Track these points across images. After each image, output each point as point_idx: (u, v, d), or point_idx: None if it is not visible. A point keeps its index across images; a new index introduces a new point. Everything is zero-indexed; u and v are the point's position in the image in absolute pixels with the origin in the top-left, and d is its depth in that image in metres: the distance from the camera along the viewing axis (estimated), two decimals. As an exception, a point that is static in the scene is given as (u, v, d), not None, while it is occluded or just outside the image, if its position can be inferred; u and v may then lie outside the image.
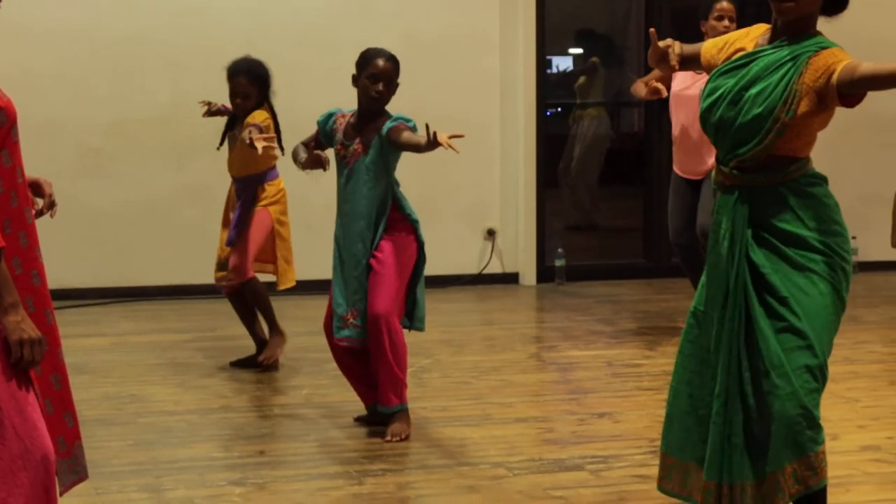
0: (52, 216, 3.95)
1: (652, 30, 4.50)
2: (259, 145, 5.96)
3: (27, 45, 9.41)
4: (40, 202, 3.95)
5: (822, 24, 4.27)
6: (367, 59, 6.19)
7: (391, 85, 6.16)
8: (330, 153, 6.27)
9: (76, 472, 3.95)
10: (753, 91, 4.16)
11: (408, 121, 6.10)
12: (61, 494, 3.77)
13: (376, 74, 6.11)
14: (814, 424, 4.10)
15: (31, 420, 3.53)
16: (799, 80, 4.12)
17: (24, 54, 9.33)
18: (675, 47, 4.37)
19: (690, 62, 4.56)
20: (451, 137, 5.68)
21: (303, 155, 6.21)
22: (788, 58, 4.19)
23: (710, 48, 4.42)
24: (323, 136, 6.36)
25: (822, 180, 4.26)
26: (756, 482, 4.17)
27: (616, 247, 12.00)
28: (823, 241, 4.18)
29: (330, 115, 6.34)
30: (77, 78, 9.73)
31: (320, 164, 6.12)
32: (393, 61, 6.19)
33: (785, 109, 4.09)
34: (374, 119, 6.15)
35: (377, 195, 6.14)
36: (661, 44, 4.32)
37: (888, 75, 3.92)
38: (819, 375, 4.15)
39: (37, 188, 3.90)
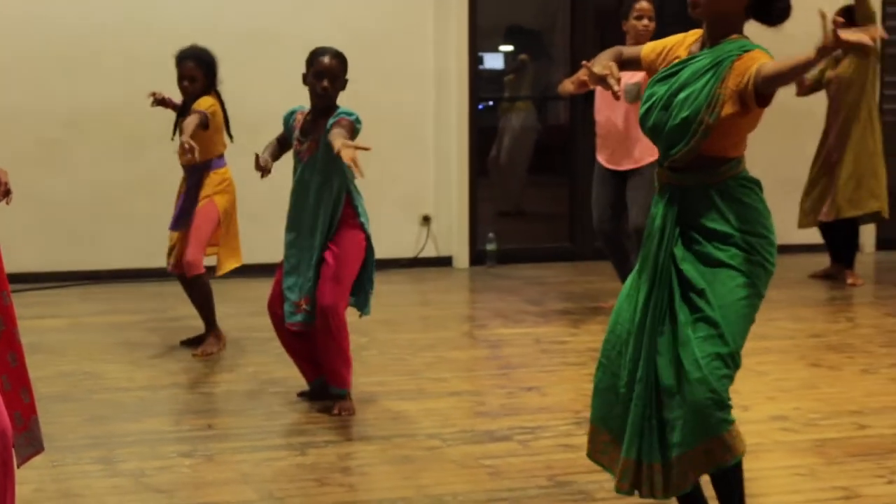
0: (7, 203, 3.98)
1: (584, 63, 4.49)
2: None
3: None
4: None
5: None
6: (313, 58, 6.22)
7: (337, 81, 6.18)
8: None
9: (33, 445, 3.97)
10: (682, 96, 4.18)
11: (350, 114, 6.12)
12: (18, 466, 3.81)
13: (322, 72, 6.13)
14: (723, 407, 4.14)
15: None
16: (722, 84, 4.14)
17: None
18: (615, 72, 4.40)
19: (630, 65, 4.59)
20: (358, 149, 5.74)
21: (263, 155, 6.23)
22: (712, 63, 4.21)
23: (649, 52, 4.43)
24: (286, 132, 6.40)
25: (754, 184, 4.28)
26: (671, 461, 4.22)
27: (543, 232, 12.08)
28: (746, 240, 4.20)
29: (291, 113, 6.38)
30: (33, 70, 9.70)
31: (259, 168, 6.13)
32: (338, 58, 6.21)
33: (709, 112, 4.11)
34: (325, 115, 6.17)
35: (331, 191, 6.19)
36: (598, 71, 4.31)
37: (790, 70, 3.95)
38: (730, 362, 4.18)
39: None
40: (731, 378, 4.19)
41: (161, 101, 7.44)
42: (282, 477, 5.40)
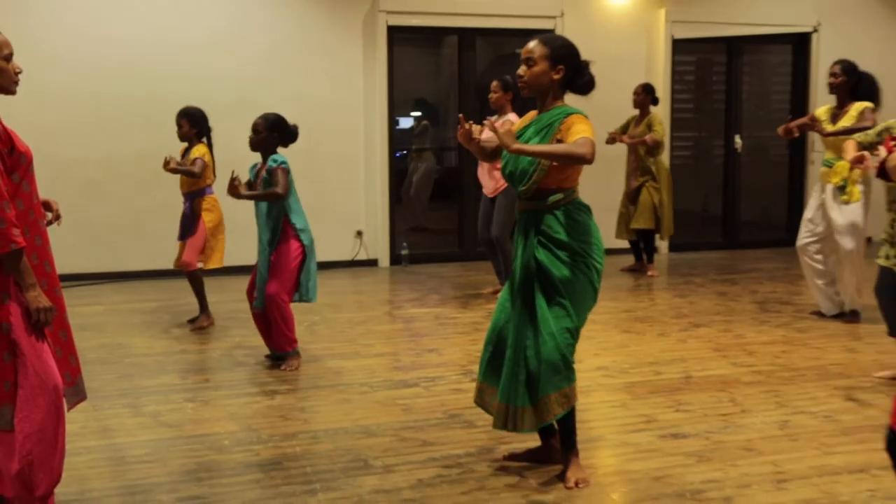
0: (58, 225, 4.12)
1: (462, 117, 4.53)
2: None
3: (44, 107, 9.23)
4: (50, 215, 4.02)
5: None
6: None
7: (258, 135, 6.30)
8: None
9: (78, 395, 3.99)
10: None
11: (283, 163, 6.23)
12: (68, 410, 3.85)
13: (252, 128, 6.33)
14: (569, 367, 4.23)
15: (45, 361, 3.60)
16: (553, 138, 4.19)
17: (41, 113, 9.14)
18: (484, 135, 4.52)
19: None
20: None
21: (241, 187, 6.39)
22: (545, 124, 4.28)
23: (517, 126, 4.40)
24: (251, 176, 6.51)
25: (585, 208, 4.32)
26: (531, 406, 4.27)
27: (441, 241, 12.08)
28: (581, 248, 4.24)
29: (254, 165, 6.49)
30: (78, 130, 9.57)
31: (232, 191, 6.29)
32: (263, 119, 6.33)
33: (538, 160, 4.17)
34: (264, 160, 6.35)
35: (272, 214, 6.29)
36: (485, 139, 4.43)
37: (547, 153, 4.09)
38: (575, 335, 4.27)
39: (47, 206, 4.05)
40: (573, 346, 4.27)
41: (172, 169, 7.32)
42: (257, 414, 5.46)
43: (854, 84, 7.43)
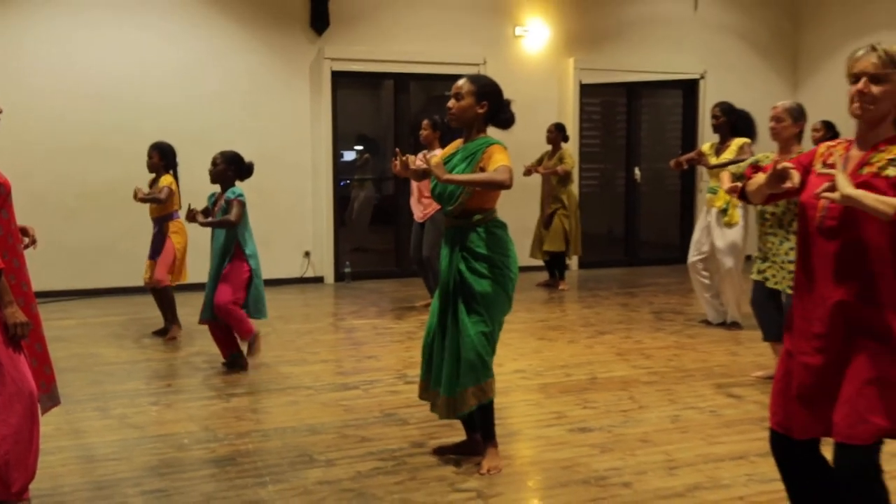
0: (34, 248, 4.05)
1: (398, 150, 4.57)
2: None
3: (24, 141, 9.08)
4: (27, 240, 3.97)
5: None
6: None
7: (216, 168, 6.29)
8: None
9: (52, 401, 3.94)
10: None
11: (240, 195, 6.25)
12: (43, 415, 3.77)
13: (212, 161, 6.32)
14: (485, 365, 4.26)
15: (21, 371, 3.55)
16: (477, 165, 4.24)
17: (20, 147, 9.00)
18: (420, 163, 4.57)
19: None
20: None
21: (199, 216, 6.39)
22: (471, 152, 4.32)
23: (446, 152, 4.44)
24: (209, 204, 6.49)
25: (502, 225, 4.34)
26: (451, 397, 4.30)
27: (379, 260, 12.06)
28: (500, 260, 4.26)
29: (212, 194, 6.49)
30: (56, 162, 9.43)
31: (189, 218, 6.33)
32: (221, 156, 6.33)
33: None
34: (223, 191, 6.33)
35: (225, 239, 6.27)
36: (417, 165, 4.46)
37: (479, 181, 4.15)
38: (490, 338, 4.29)
39: (24, 231, 3.97)
40: (487, 347, 4.29)
41: (142, 199, 7.30)
42: (214, 415, 5.40)
43: (733, 122, 7.59)
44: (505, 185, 4.08)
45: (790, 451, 3.09)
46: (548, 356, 6.85)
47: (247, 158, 6.40)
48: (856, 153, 2.97)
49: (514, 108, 4.42)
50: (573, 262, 11.39)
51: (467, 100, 4.27)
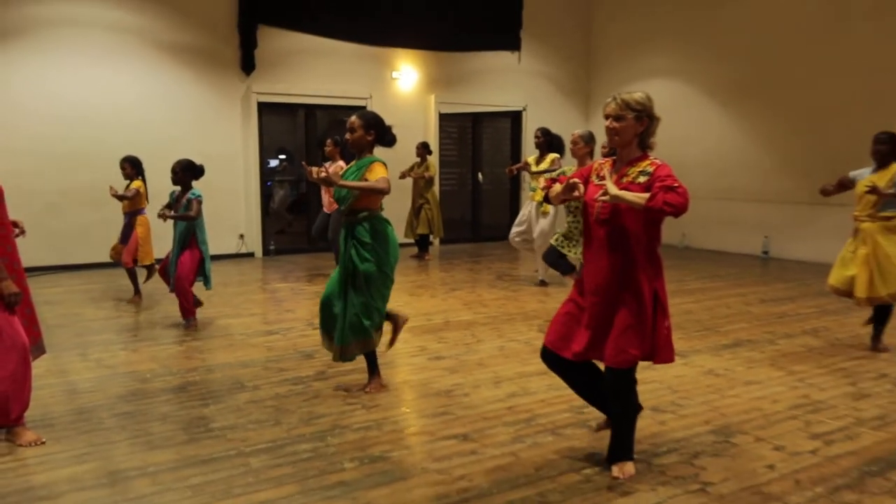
0: (24, 237, 3.94)
1: (303, 163, 4.54)
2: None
3: (14, 151, 8.57)
4: (17, 230, 3.82)
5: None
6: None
7: (177, 175, 6.02)
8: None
9: (40, 350, 3.86)
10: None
11: (199, 196, 6.02)
12: (33, 361, 3.65)
13: (172, 168, 6.05)
14: (363, 328, 4.22)
15: (15, 328, 3.49)
16: (363, 176, 4.21)
17: (11, 155, 8.51)
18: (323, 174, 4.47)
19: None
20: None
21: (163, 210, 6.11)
22: (359, 167, 4.29)
23: (346, 169, 4.39)
24: (171, 201, 6.21)
25: (385, 221, 4.29)
26: (345, 346, 4.27)
27: (296, 239, 11.84)
28: (381, 248, 4.22)
29: (173, 192, 6.21)
30: (41, 165, 8.90)
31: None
32: (179, 164, 6.06)
33: (354, 190, 4.16)
34: (184, 192, 6.07)
35: (184, 230, 6.05)
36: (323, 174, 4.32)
37: (362, 187, 4.12)
38: (368, 307, 4.22)
39: (15, 224, 3.84)
40: (369, 314, 4.22)
41: (116, 196, 7.03)
42: (170, 357, 5.28)
43: (549, 141, 7.80)
44: (384, 191, 4.11)
45: (554, 361, 3.36)
46: (416, 307, 6.92)
47: (197, 163, 6.24)
48: (618, 168, 3.18)
49: (392, 130, 4.44)
50: (436, 241, 11.50)
51: (359, 132, 4.25)
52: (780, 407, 4.18)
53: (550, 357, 3.34)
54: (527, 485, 3.18)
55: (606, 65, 12.56)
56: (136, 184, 7.10)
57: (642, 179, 3.07)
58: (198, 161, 6.16)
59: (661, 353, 3.15)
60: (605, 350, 3.15)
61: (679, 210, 2.90)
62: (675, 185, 2.93)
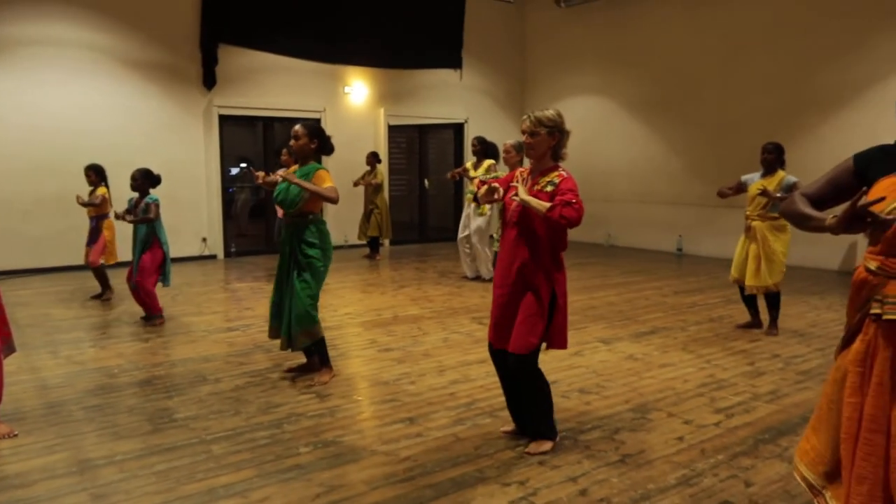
0: None
1: (260, 173, 4.51)
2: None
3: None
4: None
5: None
6: None
7: (136, 183, 5.93)
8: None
9: (11, 349, 3.72)
10: (292, 188, 4.24)
11: (156, 200, 5.93)
12: (5, 358, 3.53)
13: (132, 176, 5.96)
14: (310, 316, 4.21)
15: None
16: (311, 183, 4.18)
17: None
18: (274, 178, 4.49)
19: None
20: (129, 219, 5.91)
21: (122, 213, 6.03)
22: (305, 173, 4.27)
23: (291, 171, 4.37)
24: (129, 206, 6.08)
25: (324, 223, 4.31)
26: (294, 335, 4.27)
27: (255, 242, 11.63)
28: (321, 247, 4.22)
29: (131, 199, 6.07)
30: (15, 178, 8.57)
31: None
32: (139, 172, 5.96)
33: (300, 195, 4.17)
34: (141, 197, 5.96)
35: (145, 233, 5.93)
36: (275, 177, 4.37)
37: (314, 191, 4.11)
38: (314, 298, 4.21)
39: None
40: (314, 303, 4.22)
41: (82, 204, 6.83)
42: (136, 353, 5.17)
43: (485, 150, 7.87)
44: (334, 202, 4.13)
45: (494, 355, 3.41)
46: (367, 303, 6.90)
47: (155, 172, 6.12)
48: (533, 176, 3.27)
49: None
50: (386, 242, 11.48)
51: (303, 140, 4.24)
52: (690, 386, 4.33)
53: (492, 350, 3.43)
54: (466, 462, 3.23)
55: (539, 81, 12.75)
56: (101, 190, 6.92)
57: (549, 189, 3.18)
58: (161, 170, 6.06)
59: (555, 340, 3.27)
60: (510, 337, 3.24)
61: (572, 223, 3.05)
62: (573, 200, 3.06)
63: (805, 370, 4.66)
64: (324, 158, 4.51)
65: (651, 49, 10.88)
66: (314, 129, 4.31)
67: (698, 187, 10.39)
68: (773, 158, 5.40)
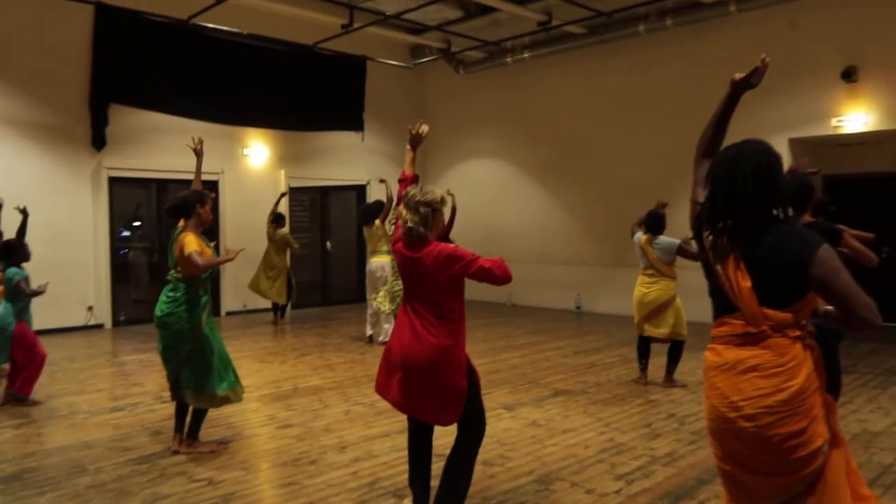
0: None
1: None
2: None
3: None
4: None
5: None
6: None
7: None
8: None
9: None
10: (174, 247, 4.06)
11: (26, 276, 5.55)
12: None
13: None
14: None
15: None
16: (177, 246, 4.14)
17: None
18: None
19: None
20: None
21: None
22: (174, 237, 4.18)
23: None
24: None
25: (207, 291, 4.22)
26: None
27: (149, 307, 11.01)
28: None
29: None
30: None
31: None
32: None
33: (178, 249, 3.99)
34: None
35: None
36: None
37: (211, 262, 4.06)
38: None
39: None
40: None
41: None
42: (4, 441, 4.66)
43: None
44: (201, 270, 4.06)
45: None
46: (266, 374, 6.64)
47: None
48: None
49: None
50: (288, 306, 11.17)
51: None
52: (591, 452, 4.39)
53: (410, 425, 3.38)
54: (368, 550, 3.10)
55: (440, 145, 13.01)
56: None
57: None
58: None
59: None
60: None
61: None
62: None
63: (698, 430, 4.83)
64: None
65: (547, 115, 11.40)
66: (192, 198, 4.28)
67: (592, 247, 10.84)
68: (646, 220, 6.02)
